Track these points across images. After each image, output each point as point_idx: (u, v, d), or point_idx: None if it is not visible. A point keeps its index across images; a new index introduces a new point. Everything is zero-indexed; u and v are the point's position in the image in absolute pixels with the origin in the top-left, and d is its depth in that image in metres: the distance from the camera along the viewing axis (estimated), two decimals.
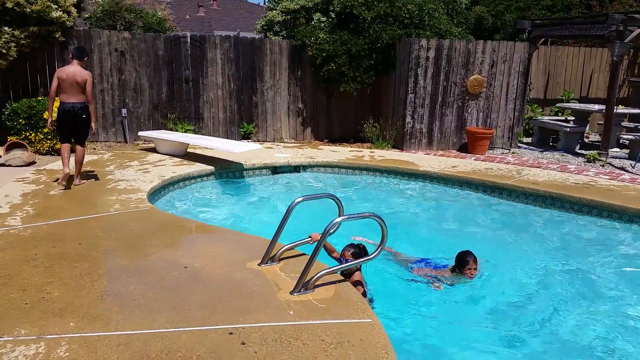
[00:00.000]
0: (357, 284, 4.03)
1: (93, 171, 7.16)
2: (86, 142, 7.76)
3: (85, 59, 6.35)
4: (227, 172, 7.89)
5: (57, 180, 6.29)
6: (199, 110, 10.37)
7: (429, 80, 9.80)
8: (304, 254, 4.20)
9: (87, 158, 8.11)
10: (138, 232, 4.73)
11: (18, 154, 7.73)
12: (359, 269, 4.20)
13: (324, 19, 10.75)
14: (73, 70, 6.08)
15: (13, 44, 8.44)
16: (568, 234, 6.18)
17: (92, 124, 6.33)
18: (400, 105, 10.01)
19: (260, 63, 10.49)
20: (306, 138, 11.06)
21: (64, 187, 6.11)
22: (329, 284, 3.67)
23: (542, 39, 10.82)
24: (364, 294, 4.04)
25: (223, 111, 10.52)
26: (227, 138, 10.32)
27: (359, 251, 4.35)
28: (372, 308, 3.84)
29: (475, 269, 4.73)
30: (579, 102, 12.66)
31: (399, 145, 10.14)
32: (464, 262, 4.72)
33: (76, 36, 9.47)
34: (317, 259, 3.60)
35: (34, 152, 8.27)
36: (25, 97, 8.96)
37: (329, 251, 4.36)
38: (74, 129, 6.27)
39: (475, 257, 4.74)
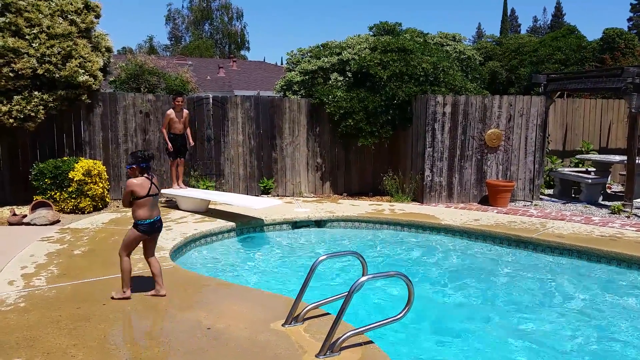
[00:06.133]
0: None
1: (117, 229, 7.23)
2: (109, 200, 8.95)
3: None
4: (248, 227, 7.91)
5: None
6: (220, 167, 10.55)
7: (446, 134, 9.88)
8: (328, 314, 4.13)
9: (110, 216, 8.25)
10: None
11: (43, 213, 7.86)
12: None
13: (340, 78, 11.04)
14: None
15: (41, 107, 8.71)
16: (597, 289, 5.99)
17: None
18: (419, 159, 10.05)
19: (279, 121, 10.72)
20: (325, 192, 11.10)
21: None
22: (355, 345, 3.58)
23: (558, 92, 10.91)
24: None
25: (243, 167, 10.67)
26: (247, 193, 10.41)
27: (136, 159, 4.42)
28: None
29: None
30: (599, 153, 12.58)
31: (418, 198, 10.11)
32: None
33: (102, 99, 9.81)
34: (344, 318, 3.53)
35: (58, 211, 8.42)
36: (51, 157, 9.19)
37: None
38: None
39: None
